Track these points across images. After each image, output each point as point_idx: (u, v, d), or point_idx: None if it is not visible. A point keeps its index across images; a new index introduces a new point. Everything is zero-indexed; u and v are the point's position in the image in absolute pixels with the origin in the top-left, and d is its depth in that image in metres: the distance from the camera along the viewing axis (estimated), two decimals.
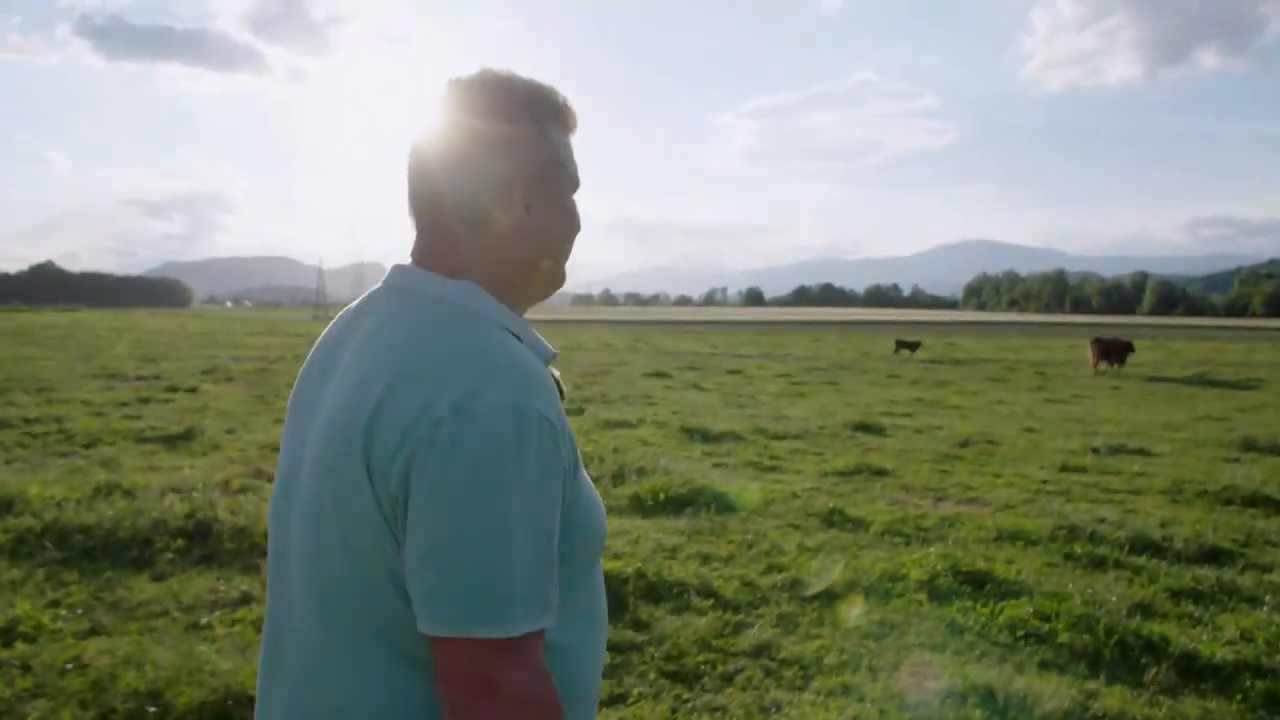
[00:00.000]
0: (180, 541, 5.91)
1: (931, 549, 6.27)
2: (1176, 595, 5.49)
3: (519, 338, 1.29)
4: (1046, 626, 4.85)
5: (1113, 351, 27.91)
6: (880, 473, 9.46)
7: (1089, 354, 28.55)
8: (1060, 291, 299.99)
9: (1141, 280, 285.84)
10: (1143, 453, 11.43)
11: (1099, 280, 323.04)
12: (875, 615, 5.11)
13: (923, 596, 5.36)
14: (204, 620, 4.82)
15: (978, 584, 5.50)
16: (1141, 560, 6.18)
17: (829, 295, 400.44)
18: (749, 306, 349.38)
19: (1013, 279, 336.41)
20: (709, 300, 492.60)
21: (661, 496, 7.58)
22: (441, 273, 1.29)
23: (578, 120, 1.38)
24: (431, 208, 1.31)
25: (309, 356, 1.38)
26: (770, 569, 5.83)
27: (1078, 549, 6.38)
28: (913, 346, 35.22)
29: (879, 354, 36.69)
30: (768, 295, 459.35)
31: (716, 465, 9.80)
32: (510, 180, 1.29)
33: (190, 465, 8.74)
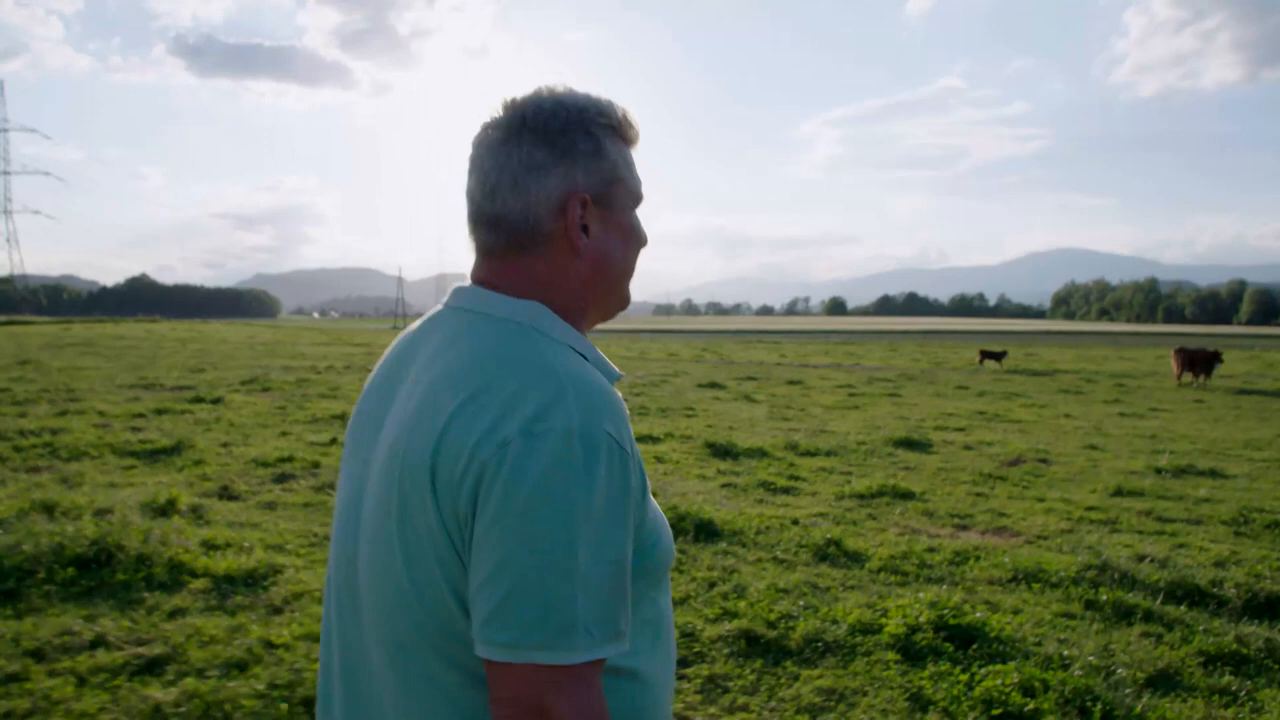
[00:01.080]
0: (70, 571, 5.27)
1: (926, 592, 5.36)
2: (1212, 661, 4.52)
3: (585, 358, 1.27)
4: (1030, 704, 3.91)
5: (1198, 362, 26.42)
6: (905, 495, 8.52)
7: (1172, 365, 27.06)
8: (1152, 300, 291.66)
9: (1239, 288, 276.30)
10: (1213, 474, 10.36)
11: (1193, 289, 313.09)
12: (827, 680, 4.24)
13: (892, 657, 4.46)
14: (15, 668, 4.15)
15: (964, 641, 4.59)
16: (1178, 611, 5.20)
17: (913, 305, 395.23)
18: (831, 316, 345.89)
19: (1102, 288, 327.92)
20: (791, 310, 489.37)
21: None
22: (505, 293, 1.27)
23: (639, 133, 1.35)
24: (491, 228, 1.28)
25: (370, 380, 1.37)
26: (722, 615, 4.99)
27: (1103, 595, 5.41)
28: (998, 357, 33.81)
29: (955, 363, 35.38)
30: (851, 305, 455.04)
31: (725, 486, 8.94)
32: (567, 199, 1.26)
33: (156, 481, 8.16)
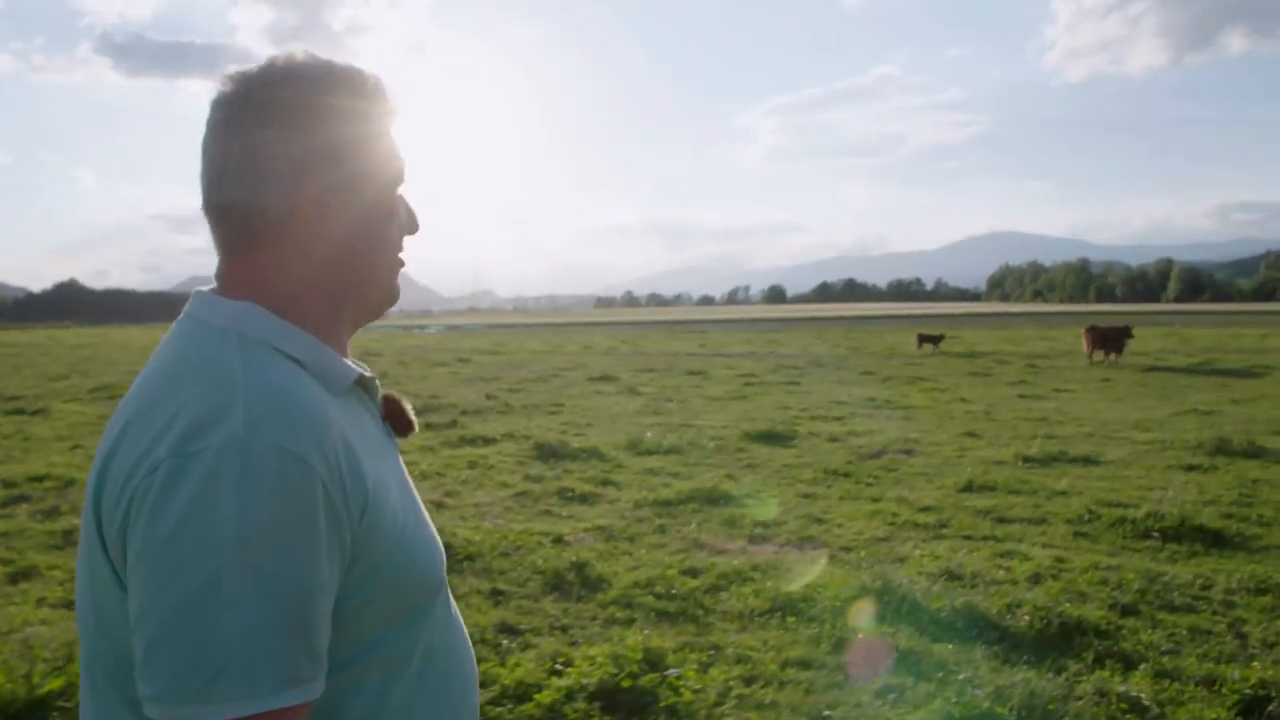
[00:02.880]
0: None
1: (633, 636, 4.24)
2: None
3: (301, 363, 1.08)
4: None
5: (1108, 339, 25.83)
6: (716, 500, 7.42)
7: (1084, 343, 26.47)
8: (1084, 281, 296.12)
9: (1166, 267, 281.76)
10: (1086, 461, 9.51)
11: (1124, 269, 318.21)
12: None
13: None
14: None
15: (631, 711, 3.48)
16: (947, 651, 4.13)
17: (851, 291, 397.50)
18: (770, 304, 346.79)
19: (1036, 270, 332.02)
20: (731, 299, 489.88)
21: None
22: (224, 294, 1.11)
23: (394, 104, 1.17)
24: (218, 220, 1.12)
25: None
26: None
27: (861, 632, 4.33)
28: (936, 340, 32.98)
29: (873, 349, 34.68)
30: (791, 293, 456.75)
31: (520, 495, 7.80)
32: (299, 182, 1.09)
33: None
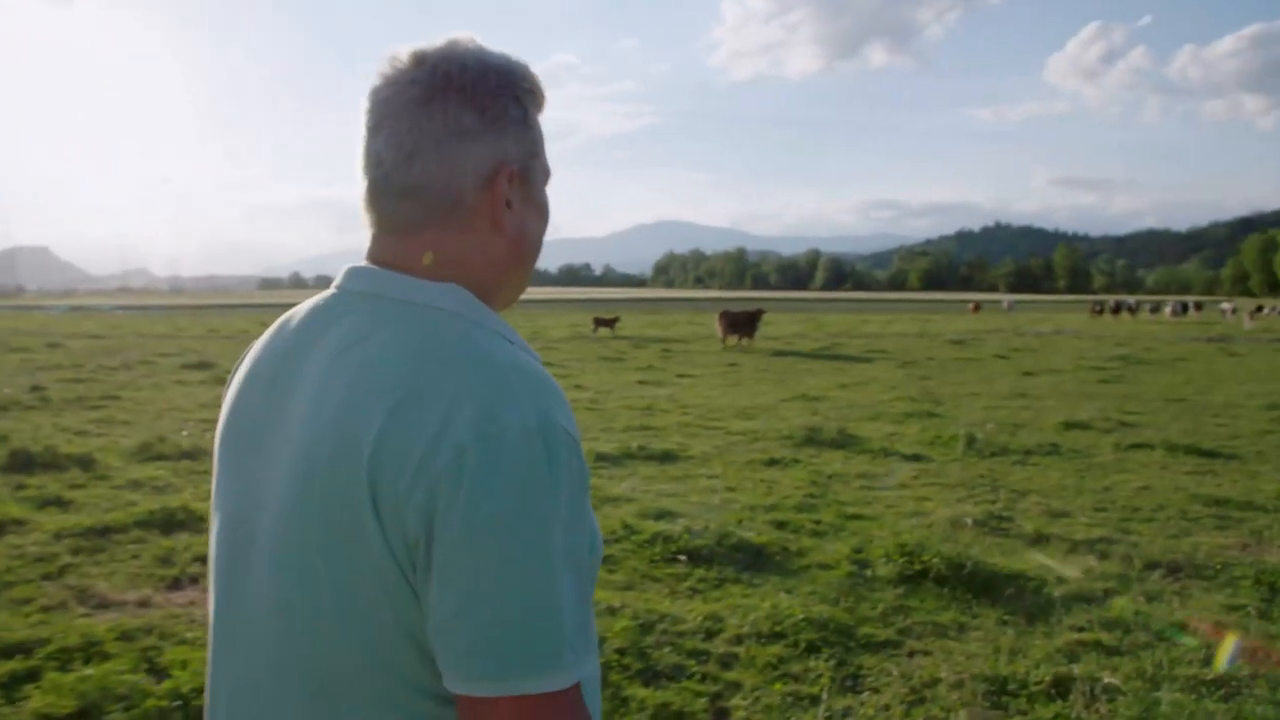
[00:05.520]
0: None
1: None
2: None
3: (513, 344, 1.10)
4: None
5: (740, 323, 26.29)
6: (184, 524, 5.79)
7: (717, 328, 26.76)
8: (741, 269, 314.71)
9: (815, 258, 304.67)
10: (664, 458, 8.91)
11: (778, 258, 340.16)
12: None
13: None
14: None
15: None
16: None
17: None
18: None
19: (698, 258, 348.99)
20: None
21: None
22: (417, 275, 1.09)
23: (545, 101, 1.19)
24: (404, 199, 1.09)
25: (241, 382, 1.16)
26: None
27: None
28: (611, 323, 32.81)
29: (524, 329, 33.75)
30: None
31: None
32: (495, 171, 1.10)
33: None
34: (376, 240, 1.13)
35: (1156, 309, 52.76)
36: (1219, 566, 5.45)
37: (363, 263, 1.13)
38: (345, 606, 0.98)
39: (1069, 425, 10.90)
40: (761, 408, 12.71)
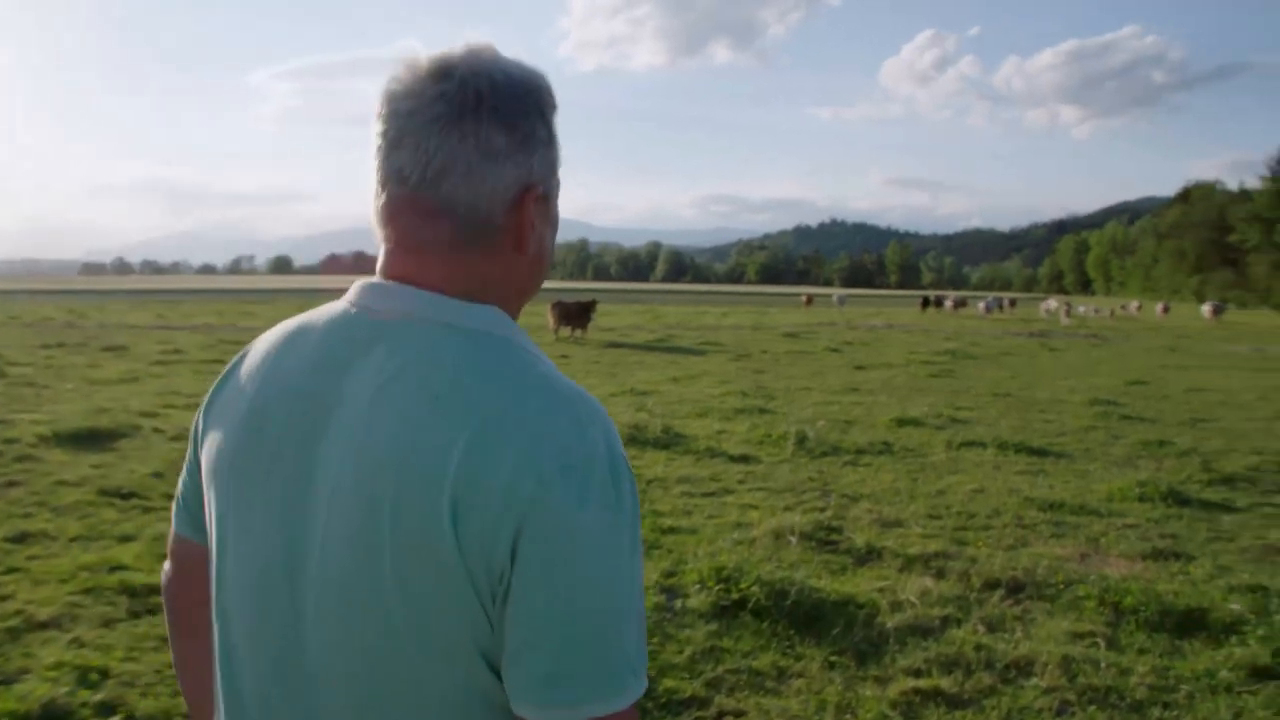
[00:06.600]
0: None
1: None
2: None
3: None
4: None
5: (572, 315, 25.56)
6: None
7: (549, 319, 25.97)
8: (583, 260, 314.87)
9: (655, 250, 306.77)
10: None
11: (618, 249, 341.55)
12: None
13: None
14: None
15: None
16: None
17: (361, 264, 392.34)
18: (275, 275, 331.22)
19: None
20: (235, 269, 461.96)
21: None
22: (450, 295, 1.05)
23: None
24: (431, 217, 1.04)
25: (249, 400, 1.06)
26: None
27: None
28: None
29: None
30: (300, 263, 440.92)
31: None
32: (523, 195, 1.06)
33: None
34: (393, 257, 1.07)
35: (963, 304, 53.95)
36: (1061, 584, 4.96)
37: (376, 279, 1.08)
38: (423, 636, 0.95)
39: (901, 422, 10.52)
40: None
